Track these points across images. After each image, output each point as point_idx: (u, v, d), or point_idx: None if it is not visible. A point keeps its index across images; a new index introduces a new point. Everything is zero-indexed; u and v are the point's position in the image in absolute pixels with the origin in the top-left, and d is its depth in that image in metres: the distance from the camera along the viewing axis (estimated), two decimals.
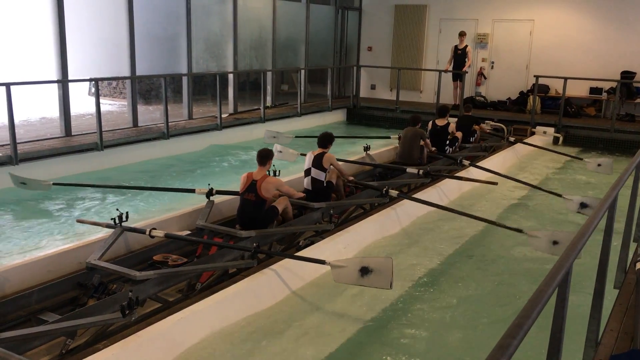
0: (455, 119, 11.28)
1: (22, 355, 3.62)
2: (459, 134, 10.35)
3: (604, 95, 14.27)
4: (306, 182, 6.98)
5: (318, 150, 7.02)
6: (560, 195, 7.49)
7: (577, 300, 4.49)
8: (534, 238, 5.73)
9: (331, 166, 6.95)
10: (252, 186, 5.85)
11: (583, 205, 7.06)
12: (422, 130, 9.31)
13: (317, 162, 6.89)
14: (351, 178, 7.51)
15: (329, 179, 6.97)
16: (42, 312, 4.44)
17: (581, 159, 10.05)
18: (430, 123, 10.07)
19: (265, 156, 5.98)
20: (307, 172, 6.97)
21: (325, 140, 7.10)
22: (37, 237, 6.78)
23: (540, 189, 8.26)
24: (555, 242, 5.53)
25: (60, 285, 4.72)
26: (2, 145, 8.78)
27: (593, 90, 14.36)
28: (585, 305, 3.68)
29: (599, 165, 9.20)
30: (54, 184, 7.37)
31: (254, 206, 5.85)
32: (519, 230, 6.02)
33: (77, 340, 4.13)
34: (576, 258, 2.57)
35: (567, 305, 2.51)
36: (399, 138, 9.60)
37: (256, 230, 5.68)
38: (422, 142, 9.14)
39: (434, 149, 9.59)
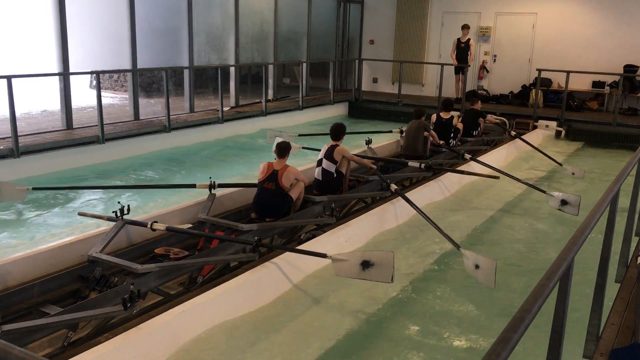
0: (458, 113, 11.34)
1: (24, 347, 3.62)
2: (460, 125, 10.44)
3: (607, 89, 14.21)
4: (317, 172, 7.08)
5: (332, 142, 7.13)
6: (543, 192, 7.41)
7: (579, 294, 4.49)
8: (466, 258, 5.22)
9: (343, 158, 7.02)
10: (273, 175, 6.06)
11: (564, 203, 6.94)
12: (426, 122, 9.42)
13: (329, 153, 7.00)
14: (373, 167, 7.72)
15: (339, 169, 7.04)
16: (44, 304, 4.45)
17: (560, 164, 9.63)
18: (435, 116, 10.15)
19: (284, 148, 6.24)
20: (319, 163, 7.10)
21: (337, 131, 7.19)
22: (39, 230, 6.79)
23: (526, 183, 8.03)
24: (477, 266, 5.06)
25: (62, 278, 4.73)
26: (4, 138, 8.77)
27: (596, 84, 14.30)
28: (587, 299, 3.67)
29: (572, 173, 9.04)
30: (33, 188, 6.66)
31: (273, 194, 6.04)
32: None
33: (78, 333, 4.15)
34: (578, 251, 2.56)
35: (568, 299, 2.50)
36: (401, 132, 9.70)
37: (257, 223, 5.69)
38: (426, 133, 9.21)
39: (442, 142, 9.68)
